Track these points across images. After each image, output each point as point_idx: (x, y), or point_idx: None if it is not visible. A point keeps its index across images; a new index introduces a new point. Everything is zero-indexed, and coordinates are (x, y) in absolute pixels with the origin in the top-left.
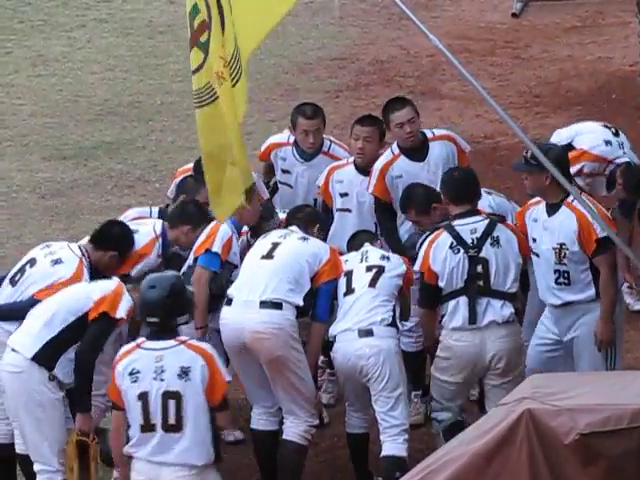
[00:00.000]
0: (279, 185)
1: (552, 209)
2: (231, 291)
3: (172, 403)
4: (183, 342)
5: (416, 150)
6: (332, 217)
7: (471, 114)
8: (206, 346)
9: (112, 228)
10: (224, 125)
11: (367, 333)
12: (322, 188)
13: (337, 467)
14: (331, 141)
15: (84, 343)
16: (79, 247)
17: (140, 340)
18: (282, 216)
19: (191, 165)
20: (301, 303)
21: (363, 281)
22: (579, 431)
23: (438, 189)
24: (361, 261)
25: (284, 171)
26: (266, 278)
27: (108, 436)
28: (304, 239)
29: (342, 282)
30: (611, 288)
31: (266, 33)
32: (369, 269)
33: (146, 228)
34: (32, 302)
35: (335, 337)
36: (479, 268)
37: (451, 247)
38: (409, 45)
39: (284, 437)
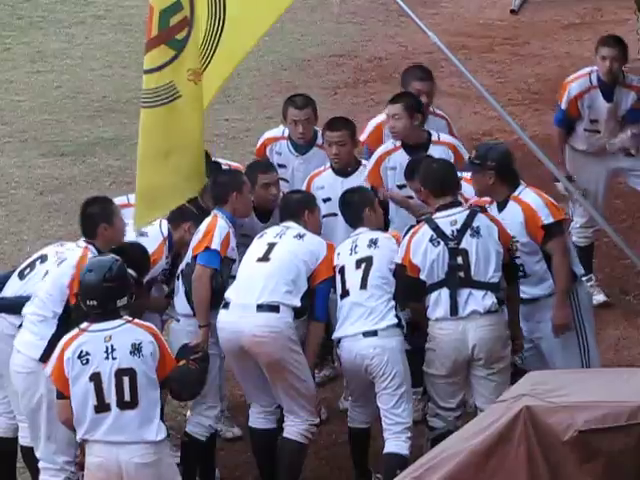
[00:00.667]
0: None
1: (501, 206)
2: (228, 294)
3: (126, 380)
4: (129, 321)
5: (416, 147)
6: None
7: (469, 111)
8: (152, 325)
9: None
10: (182, 126)
11: (371, 334)
12: None
13: (336, 464)
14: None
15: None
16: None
17: (84, 325)
18: None
19: None
20: (299, 304)
21: (355, 281)
22: (577, 428)
23: None
24: (351, 253)
25: (280, 165)
26: (263, 281)
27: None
28: (300, 237)
29: (338, 280)
30: (562, 273)
31: (264, 31)
32: (358, 265)
33: (153, 231)
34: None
35: (339, 339)
36: (459, 259)
37: (431, 240)
38: (408, 42)
39: (284, 435)
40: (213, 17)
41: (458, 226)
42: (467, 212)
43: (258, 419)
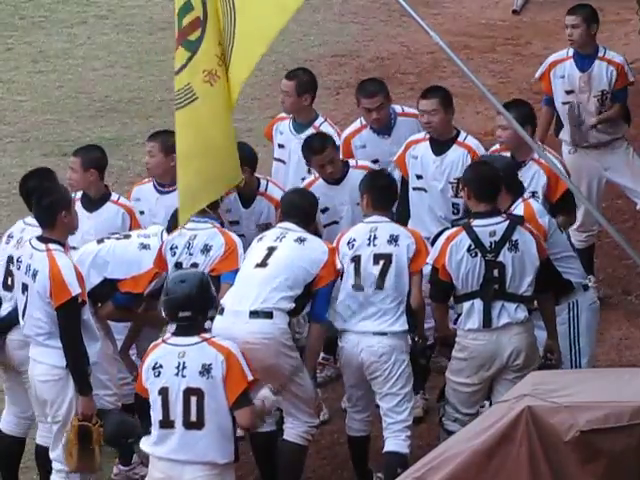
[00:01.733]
0: (275, 163)
1: None
2: (223, 300)
3: (194, 400)
4: (206, 339)
5: (440, 144)
6: None
7: (471, 111)
8: (229, 344)
9: None
10: (206, 126)
11: (380, 333)
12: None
13: (337, 464)
14: (324, 119)
15: (62, 331)
16: (36, 237)
17: (166, 336)
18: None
19: None
20: (293, 306)
21: (371, 278)
22: (579, 428)
23: (440, 188)
24: (369, 244)
25: (280, 145)
26: (258, 288)
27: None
28: (300, 241)
29: (350, 269)
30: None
31: (276, 32)
32: (377, 260)
33: (155, 244)
34: None
35: (345, 330)
36: (495, 272)
37: (469, 250)
38: (410, 42)
39: (284, 438)
40: (227, 18)
41: (497, 238)
42: (506, 224)
43: None
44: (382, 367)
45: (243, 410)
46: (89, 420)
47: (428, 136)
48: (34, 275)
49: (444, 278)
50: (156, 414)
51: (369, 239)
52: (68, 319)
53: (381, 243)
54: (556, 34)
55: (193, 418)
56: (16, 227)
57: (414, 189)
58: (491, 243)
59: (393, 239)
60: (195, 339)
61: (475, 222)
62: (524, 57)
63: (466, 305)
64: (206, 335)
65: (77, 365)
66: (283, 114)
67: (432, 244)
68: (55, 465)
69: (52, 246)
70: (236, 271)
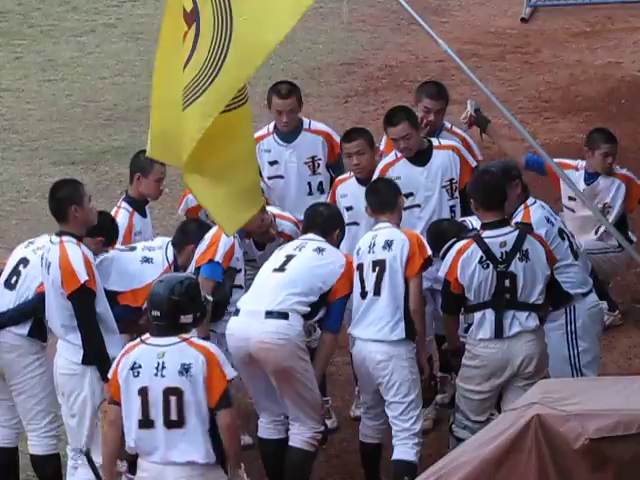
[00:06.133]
0: (268, 182)
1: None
2: (240, 302)
3: (173, 399)
4: (185, 339)
5: (418, 155)
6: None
7: None
8: (208, 345)
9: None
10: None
11: (378, 340)
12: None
13: (347, 472)
14: (310, 119)
15: (78, 320)
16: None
17: (145, 336)
18: (275, 211)
19: None
20: (308, 310)
21: (371, 285)
22: (588, 436)
23: (435, 198)
24: (369, 251)
25: (272, 163)
26: (274, 290)
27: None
28: (319, 250)
29: (356, 277)
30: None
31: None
32: (374, 267)
33: (158, 257)
34: (39, 298)
35: (354, 337)
36: (507, 282)
37: (480, 262)
38: (418, 50)
39: (290, 444)
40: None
41: (507, 248)
42: (516, 234)
43: (267, 429)
44: (382, 374)
45: (225, 411)
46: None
47: (400, 155)
48: (48, 267)
49: (456, 290)
50: (133, 413)
51: (369, 246)
52: (81, 306)
53: (377, 249)
54: (565, 42)
55: (174, 417)
56: (41, 238)
57: (404, 209)
58: (502, 254)
59: (387, 244)
60: (174, 339)
61: (485, 233)
62: (533, 65)
63: (477, 315)
64: (185, 335)
65: (96, 351)
66: (259, 134)
67: (443, 257)
68: (70, 462)
69: (65, 238)
70: (213, 264)
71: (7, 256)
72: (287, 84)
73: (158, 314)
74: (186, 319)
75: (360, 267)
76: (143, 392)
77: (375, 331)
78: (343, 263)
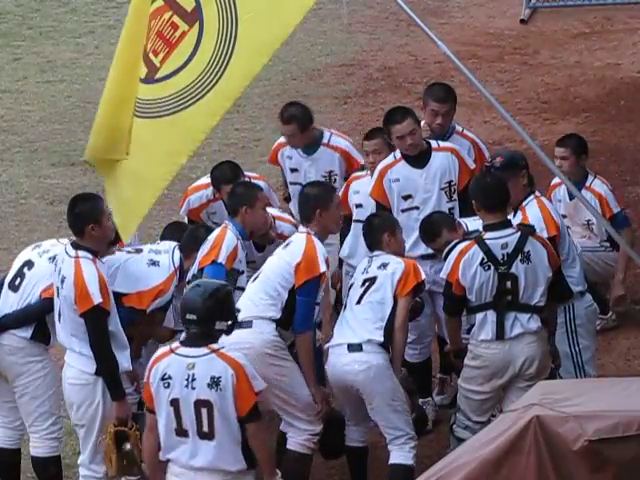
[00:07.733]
0: (290, 188)
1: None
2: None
3: (204, 411)
4: (215, 351)
5: (417, 157)
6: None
7: (479, 120)
8: (237, 357)
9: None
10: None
11: (357, 348)
12: (342, 198)
13: (346, 472)
14: (331, 133)
15: (90, 338)
16: (70, 243)
17: (174, 345)
18: (275, 212)
19: (201, 182)
20: (278, 315)
21: (355, 297)
22: (587, 437)
23: (433, 200)
24: (363, 272)
25: (293, 170)
26: (243, 300)
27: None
28: (285, 246)
29: (345, 296)
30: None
31: (277, 46)
32: (364, 283)
33: (165, 261)
34: (43, 302)
35: (328, 350)
36: (508, 284)
37: (482, 263)
38: (417, 51)
39: (287, 447)
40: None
41: (509, 250)
42: (518, 235)
43: None
44: (363, 384)
45: (255, 424)
46: (125, 424)
47: (399, 156)
48: (62, 281)
49: (457, 292)
50: (169, 422)
51: (364, 268)
52: (94, 326)
53: (372, 270)
54: (564, 43)
55: (205, 429)
56: (48, 242)
57: (403, 211)
58: (503, 255)
59: (383, 265)
60: (204, 350)
61: (487, 235)
62: (532, 66)
63: (479, 316)
64: (214, 346)
65: (107, 370)
66: (283, 139)
67: (445, 258)
68: (81, 470)
69: (81, 253)
70: (217, 265)
71: (7, 258)
72: (290, 107)
73: (194, 318)
74: (221, 325)
75: (351, 286)
76: (175, 403)
77: (350, 335)
78: (302, 252)
